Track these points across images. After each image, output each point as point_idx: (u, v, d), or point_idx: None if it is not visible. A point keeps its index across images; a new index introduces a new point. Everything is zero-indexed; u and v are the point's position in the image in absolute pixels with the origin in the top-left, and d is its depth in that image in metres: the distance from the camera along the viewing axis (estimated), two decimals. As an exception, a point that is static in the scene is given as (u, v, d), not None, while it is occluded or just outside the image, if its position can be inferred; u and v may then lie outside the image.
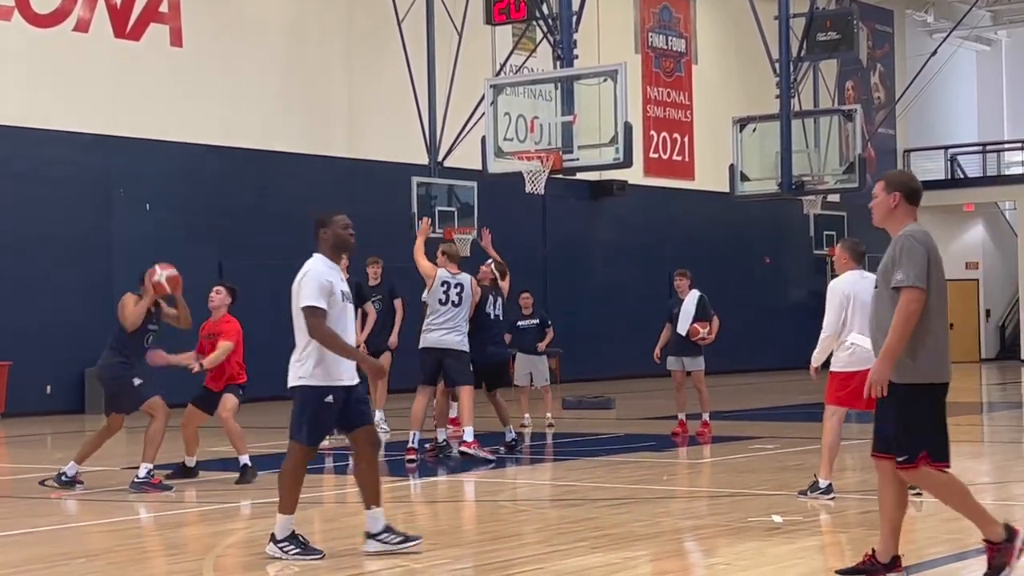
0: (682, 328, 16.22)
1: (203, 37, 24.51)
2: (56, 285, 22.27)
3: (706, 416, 16.50)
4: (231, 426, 12.26)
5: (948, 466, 7.03)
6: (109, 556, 8.71)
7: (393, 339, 16.88)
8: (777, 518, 9.56)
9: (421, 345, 13.95)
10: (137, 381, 11.87)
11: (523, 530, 9.65)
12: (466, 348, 13.91)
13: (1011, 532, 6.98)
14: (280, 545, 8.17)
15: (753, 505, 10.44)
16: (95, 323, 22.74)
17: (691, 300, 16.35)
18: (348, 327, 8.41)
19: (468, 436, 13.82)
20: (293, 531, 8.21)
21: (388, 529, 8.29)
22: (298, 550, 8.15)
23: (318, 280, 8.24)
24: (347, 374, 8.32)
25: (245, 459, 12.20)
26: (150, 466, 11.79)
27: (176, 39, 24.17)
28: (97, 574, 8.10)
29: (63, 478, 11.85)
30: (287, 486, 8.26)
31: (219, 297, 12.46)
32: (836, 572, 7.26)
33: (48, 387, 22.36)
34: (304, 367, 8.32)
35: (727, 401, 23.29)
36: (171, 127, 23.93)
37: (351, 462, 8.66)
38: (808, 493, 10.56)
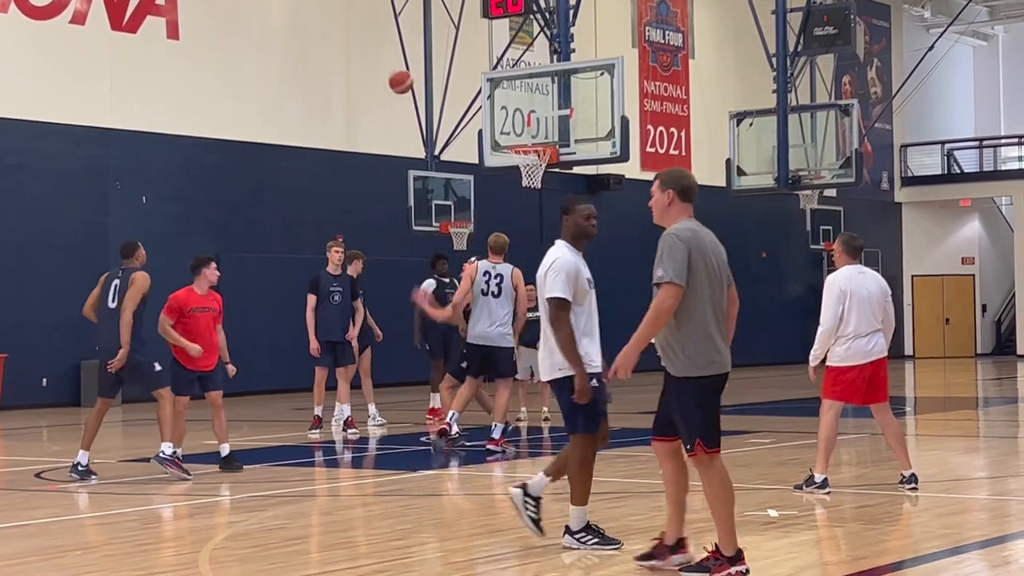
0: None
1: (200, 30, 24.50)
2: (52, 278, 22.26)
3: None
4: (223, 417, 12.51)
5: (718, 452, 7.29)
6: (105, 549, 8.71)
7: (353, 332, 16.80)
8: (773, 512, 9.57)
9: (468, 340, 14.07)
10: (158, 366, 12.06)
11: (517, 523, 9.65)
12: (507, 343, 14.05)
13: (739, 554, 7.20)
14: (577, 536, 8.18)
15: (749, 499, 10.44)
16: (91, 316, 22.77)
17: None
18: (594, 314, 8.37)
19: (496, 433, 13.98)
20: (588, 522, 8.22)
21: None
22: (596, 539, 8.17)
23: (566, 269, 8.18)
24: (597, 359, 8.27)
25: (227, 448, 12.50)
26: (172, 446, 11.98)
27: (173, 32, 24.15)
28: (93, 567, 8.09)
29: (79, 468, 11.89)
30: (578, 479, 8.23)
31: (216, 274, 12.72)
32: (635, 558, 7.53)
33: (44, 380, 22.35)
34: (559, 356, 8.18)
35: (723, 395, 23.30)
36: (168, 120, 23.91)
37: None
38: (804, 487, 10.57)
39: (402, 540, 8.77)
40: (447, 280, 17.87)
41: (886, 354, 10.60)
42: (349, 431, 16.18)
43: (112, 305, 12.06)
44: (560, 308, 8.12)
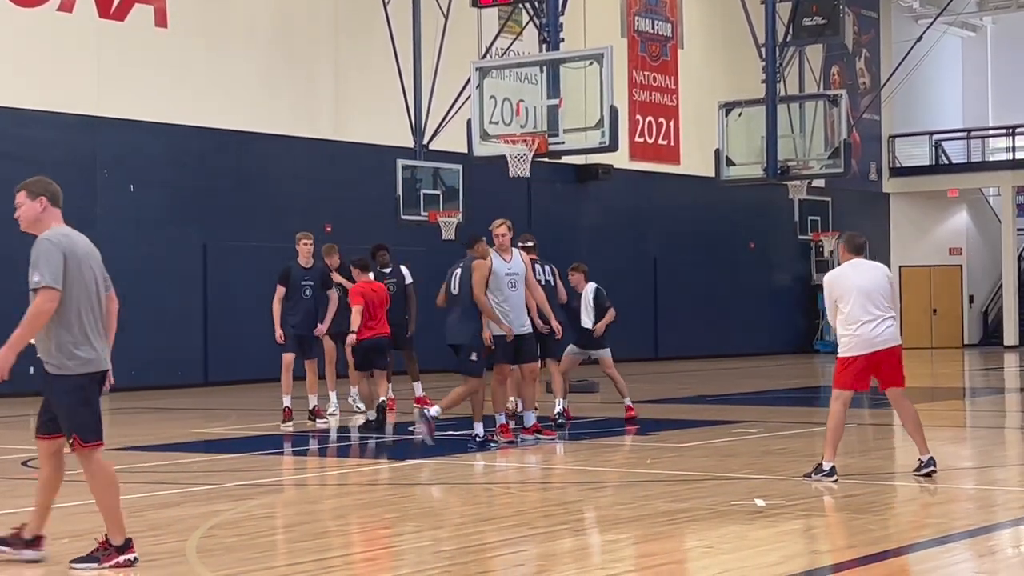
0: (586, 321, 16.07)
1: (188, 18, 24.43)
2: (39, 266, 22.18)
3: (628, 401, 16.44)
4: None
5: (101, 444, 7.63)
6: (93, 536, 8.68)
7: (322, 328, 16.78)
8: (759, 502, 9.58)
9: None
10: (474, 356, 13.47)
11: (505, 512, 9.66)
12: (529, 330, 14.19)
13: (127, 543, 7.52)
14: None
15: (736, 489, 10.46)
16: (79, 304, 22.72)
17: (589, 292, 16.11)
18: None
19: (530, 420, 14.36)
20: None
21: None
22: None
23: None
24: None
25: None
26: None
27: (161, 19, 24.09)
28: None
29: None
30: None
31: None
32: None
33: (31, 368, 22.24)
34: None
35: (711, 385, 23.34)
36: (155, 108, 23.85)
37: None
38: (812, 475, 10.63)
39: (390, 529, 8.77)
40: (387, 271, 17.77)
41: (898, 341, 10.70)
42: (317, 421, 16.17)
43: (455, 292, 13.50)
44: None
